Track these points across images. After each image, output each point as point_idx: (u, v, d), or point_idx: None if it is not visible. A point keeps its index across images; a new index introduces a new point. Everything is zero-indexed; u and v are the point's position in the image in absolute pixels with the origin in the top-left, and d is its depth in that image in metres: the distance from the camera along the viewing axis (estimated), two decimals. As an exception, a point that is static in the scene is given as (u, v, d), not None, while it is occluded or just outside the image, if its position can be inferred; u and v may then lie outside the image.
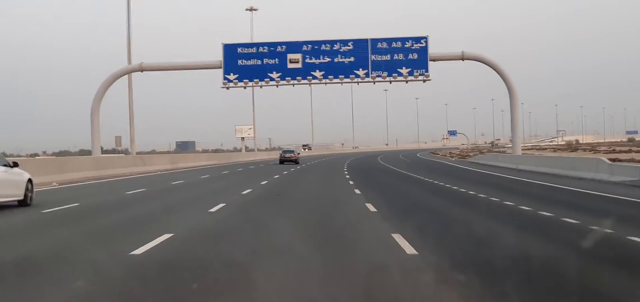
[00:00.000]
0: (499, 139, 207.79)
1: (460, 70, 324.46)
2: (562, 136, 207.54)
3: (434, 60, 53.15)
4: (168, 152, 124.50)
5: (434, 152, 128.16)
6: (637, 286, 8.22)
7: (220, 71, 53.49)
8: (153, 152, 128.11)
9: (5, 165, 18.75)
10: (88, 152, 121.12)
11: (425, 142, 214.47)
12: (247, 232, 13.44)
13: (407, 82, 53.65)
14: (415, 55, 52.69)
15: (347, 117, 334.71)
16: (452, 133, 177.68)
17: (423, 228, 13.78)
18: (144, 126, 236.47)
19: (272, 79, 53.54)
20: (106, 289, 7.99)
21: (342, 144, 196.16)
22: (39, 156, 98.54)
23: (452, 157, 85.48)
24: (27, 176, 19.29)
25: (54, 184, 29.48)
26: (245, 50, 53.43)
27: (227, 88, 54.03)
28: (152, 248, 10.72)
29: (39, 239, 12.54)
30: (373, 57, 52.78)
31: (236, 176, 40.17)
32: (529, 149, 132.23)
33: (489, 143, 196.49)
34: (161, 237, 11.81)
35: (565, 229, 13.39)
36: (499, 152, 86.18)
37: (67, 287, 7.98)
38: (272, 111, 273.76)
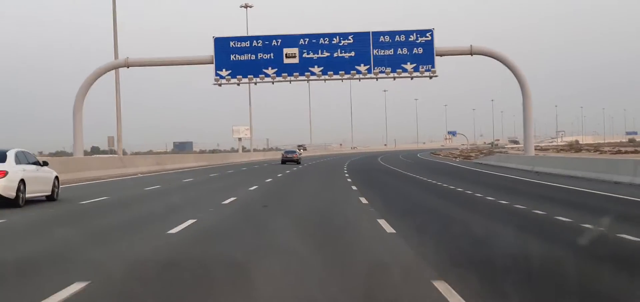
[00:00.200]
0: (498, 140, 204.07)
1: (460, 70, 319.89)
2: (561, 137, 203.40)
3: (440, 55, 48.87)
4: (165, 153, 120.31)
5: (434, 152, 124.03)
6: None
7: (212, 67, 49.18)
8: (150, 152, 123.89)
9: (36, 163, 20.82)
10: (85, 153, 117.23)
11: (424, 143, 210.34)
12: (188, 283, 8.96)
13: (412, 78, 49.38)
14: (421, 50, 48.38)
15: (346, 117, 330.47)
16: (452, 133, 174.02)
17: (453, 252, 10.72)
18: (141, 126, 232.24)
19: (267, 75, 49.20)
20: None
21: (341, 144, 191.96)
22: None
23: (456, 158, 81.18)
24: (54, 173, 21.40)
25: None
26: (238, 45, 49.09)
27: (219, 85, 49.70)
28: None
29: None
30: (375, 51, 48.45)
31: (222, 180, 35.91)
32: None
33: (488, 144, 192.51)
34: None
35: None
36: (502, 152, 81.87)
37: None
38: (270, 112, 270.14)
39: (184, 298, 7.65)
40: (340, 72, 48.81)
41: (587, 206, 18.56)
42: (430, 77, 49.02)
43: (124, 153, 60.32)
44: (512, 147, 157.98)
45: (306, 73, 48.88)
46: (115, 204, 20.77)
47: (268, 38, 49.05)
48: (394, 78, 49.20)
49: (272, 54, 48.82)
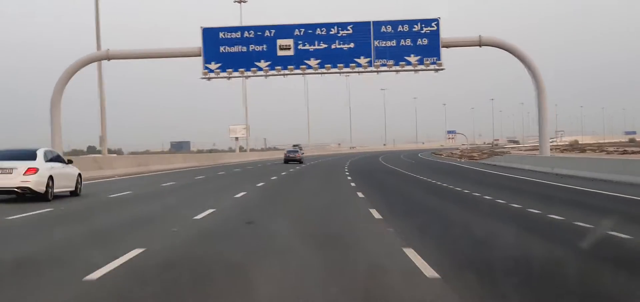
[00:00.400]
0: (497, 140, 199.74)
1: (459, 69, 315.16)
2: (560, 136, 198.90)
3: (446, 47, 44.37)
4: (158, 153, 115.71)
5: (435, 152, 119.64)
6: None
7: (200, 60, 44.70)
8: (147, 152, 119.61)
9: (61, 161, 22.05)
10: (81, 152, 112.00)
11: (423, 143, 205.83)
12: None
13: (416, 72, 44.86)
14: (426, 41, 43.89)
15: (343, 117, 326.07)
16: (451, 133, 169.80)
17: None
18: (139, 126, 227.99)
19: (259, 69, 44.71)
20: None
21: (339, 144, 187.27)
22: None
23: (460, 158, 76.64)
24: (77, 171, 22.60)
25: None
26: (229, 35, 44.58)
27: (208, 79, 45.20)
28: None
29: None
30: (376, 42, 43.97)
31: (208, 183, 31.56)
32: (527, 149, 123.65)
33: (488, 143, 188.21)
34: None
35: None
36: (507, 152, 77.39)
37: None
38: (268, 112, 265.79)
39: None
40: (338, 64, 44.34)
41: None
42: (436, 70, 44.55)
43: (115, 153, 55.72)
44: (512, 147, 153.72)
45: (302, 66, 44.41)
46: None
47: (261, 29, 44.57)
48: (397, 71, 44.72)
49: (265, 46, 44.37)
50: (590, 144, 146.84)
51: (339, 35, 44.15)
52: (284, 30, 44.38)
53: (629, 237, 11.18)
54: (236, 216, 15.90)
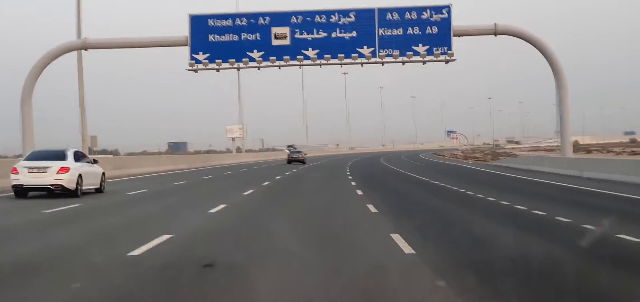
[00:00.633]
0: (497, 141, 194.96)
1: (459, 66, 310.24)
2: (560, 136, 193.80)
3: (458, 36, 39.52)
4: (160, 153, 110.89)
5: (436, 153, 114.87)
6: None
7: (187, 50, 39.81)
8: (144, 153, 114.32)
9: (88, 162, 23.61)
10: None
11: (422, 143, 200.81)
12: None
13: (424, 63, 40.00)
14: (435, 29, 39.04)
15: (341, 117, 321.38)
16: (451, 133, 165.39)
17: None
18: (136, 126, 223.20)
19: (252, 59, 39.80)
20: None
21: (337, 145, 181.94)
22: None
23: (466, 159, 71.66)
24: (101, 170, 24.20)
25: None
26: (218, 23, 39.68)
27: (195, 70, 40.32)
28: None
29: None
30: (381, 31, 39.12)
31: (185, 191, 26.86)
32: (529, 150, 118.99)
33: (488, 144, 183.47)
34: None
35: None
36: (504, 152, 72.55)
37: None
38: (265, 112, 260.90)
39: None
40: (339, 55, 39.47)
41: None
42: (446, 61, 39.68)
43: (111, 153, 50.65)
44: (513, 148, 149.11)
45: (299, 56, 39.51)
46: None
47: (254, 16, 39.68)
48: (403, 62, 39.82)
49: (258, 34, 39.51)
50: (592, 145, 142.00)
51: (340, 23, 39.32)
52: (280, 18, 39.52)
53: None
54: (197, 250, 10.88)
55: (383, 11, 39.21)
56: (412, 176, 35.06)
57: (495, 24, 39.16)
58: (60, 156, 22.11)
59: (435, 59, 39.22)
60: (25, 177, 21.21)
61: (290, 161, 65.56)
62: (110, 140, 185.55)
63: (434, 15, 38.98)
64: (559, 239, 11.16)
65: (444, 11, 39.08)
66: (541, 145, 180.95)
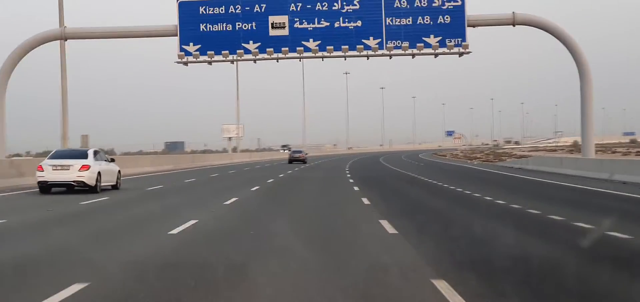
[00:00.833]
0: (496, 141, 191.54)
1: (458, 66, 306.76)
2: (559, 137, 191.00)
3: (473, 26, 35.74)
4: (155, 152, 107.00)
5: (436, 153, 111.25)
6: None
7: (176, 40, 35.94)
8: (140, 152, 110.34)
9: (106, 160, 24.72)
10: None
11: (420, 144, 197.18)
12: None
13: (436, 55, 36.18)
14: (448, 18, 35.23)
15: (338, 117, 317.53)
16: (450, 133, 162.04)
17: None
18: (134, 127, 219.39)
19: (247, 51, 35.94)
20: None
21: (335, 144, 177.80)
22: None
23: (471, 160, 67.83)
24: (117, 168, 25.37)
25: None
26: (210, 11, 35.82)
27: (185, 63, 36.44)
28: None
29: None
30: (389, 20, 35.30)
31: (157, 199, 23.15)
32: (531, 151, 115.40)
33: (486, 144, 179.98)
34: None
35: None
36: (503, 152, 68.78)
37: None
38: (262, 112, 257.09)
39: None
40: (342, 46, 35.63)
41: None
42: (460, 54, 35.86)
43: (107, 153, 46.72)
44: (513, 148, 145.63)
45: (298, 48, 35.67)
46: None
47: (249, 3, 35.81)
48: (413, 55, 35.99)
49: (254, 24, 35.70)
50: (599, 145, 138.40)
51: (343, 11, 35.49)
52: (278, 5, 35.68)
53: None
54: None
55: (391, -1, 35.41)
56: (423, 180, 31.21)
57: (513, 13, 35.36)
58: (81, 154, 23.72)
59: (448, 51, 35.41)
60: (50, 174, 22.64)
61: (291, 160, 64.89)
62: (107, 140, 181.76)
63: (447, 3, 35.19)
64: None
65: (457, -1, 35.29)
66: (540, 145, 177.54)
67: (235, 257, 9.27)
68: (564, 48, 35.96)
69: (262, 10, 35.49)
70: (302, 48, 35.52)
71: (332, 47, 35.49)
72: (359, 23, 35.40)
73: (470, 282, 7.27)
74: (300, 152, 68.69)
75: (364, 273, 8.07)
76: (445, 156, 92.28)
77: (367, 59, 36.29)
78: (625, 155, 70.56)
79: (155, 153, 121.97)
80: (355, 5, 35.39)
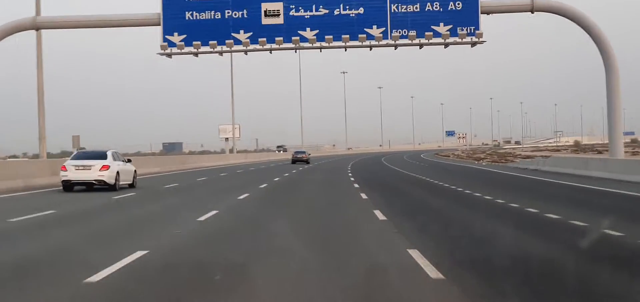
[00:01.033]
0: (496, 141, 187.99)
1: (459, 65, 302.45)
2: (558, 137, 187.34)
3: (487, 13, 31.87)
4: (153, 153, 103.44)
5: (438, 153, 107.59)
6: None
7: (159, 30, 32.07)
8: (138, 153, 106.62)
9: (123, 161, 26.26)
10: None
11: (420, 144, 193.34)
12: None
13: (446, 46, 32.32)
14: (460, 5, 31.37)
15: (336, 117, 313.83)
16: (450, 133, 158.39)
17: None
18: (132, 126, 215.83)
19: (238, 41, 32.04)
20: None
21: (334, 145, 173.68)
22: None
23: (478, 161, 63.98)
24: (133, 168, 26.99)
25: None
26: (197, -3, 31.90)
27: (169, 55, 32.55)
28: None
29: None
30: (394, 7, 31.43)
31: (105, 218, 19.52)
32: (534, 151, 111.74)
33: (486, 144, 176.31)
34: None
35: None
36: (504, 152, 64.95)
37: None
38: (260, 112, 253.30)
39: None
40: (342, 36, 31.70)
41: None
42: (473, 44, 32.01)
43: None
44: (514, 148, 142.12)
45: (294, 38, 31.73)
46: None
47: (240, -11, 31.88)
48: (421, 45, 32.09)
49: (245, 11, 31.82)
50: (597, 145, 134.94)
51: (344, -3, 31.59)
52: (271, -9, 31.75)
53: None
54: None
55: (396, -17, 31.52)
56: (435, 184, 27.36)
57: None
58: (101, 155, 25.15)
59: (460, 41, 31.55)
60: (73, 173, 24.27)
61: (294, 161, 66.34)
62: (102, 141, 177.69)
63: (458, -11, 31.30)
64: None
65: (469, -17, 31.42)
66: (541, 145, 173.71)
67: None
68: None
69: (255, -4, 31.61)
70: (298, 38, 31.64)
71: (331, 36, 31.61)
72: (361, 10, 31.54)
73: None
74: (303, 152, 70.55)
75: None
76: (449, 156, 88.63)
77: (370, 49, 32.40)
78: (635, 155, 67.10)
79: (153, 154, 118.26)
80: (357, -10, 31.51)
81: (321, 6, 31.57)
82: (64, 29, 34.17)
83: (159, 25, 31.94)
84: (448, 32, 31.46)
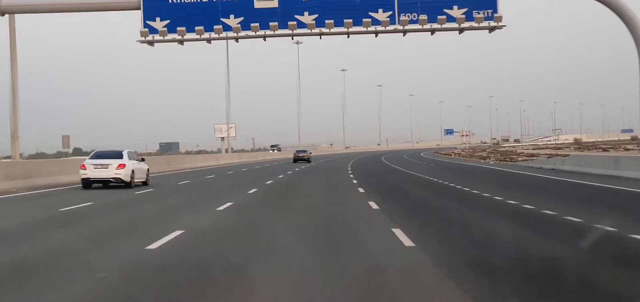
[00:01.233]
0: (495, 139, 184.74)
1: (457, 65, 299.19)
2: (557, 135, 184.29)
3: (506, -5, 28.06)
4: (150, 153, 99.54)
5: (438, 152, 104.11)
6: None
7: (139, 15, 28.24)
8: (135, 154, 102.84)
9: (137, 160, 27.42)
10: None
11: (418, 142, 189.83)
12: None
13: (461, 31, 28.40)
14: (476, -15, 27.52)
15: (334, 116, 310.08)
16: (449, 132, 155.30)
17: None
18: (131, 127, 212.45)
19: (227, 27, 28.07)
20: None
21: (331, 144, 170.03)
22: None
23: (484, 160, 60.27)
24: (147, 166, 28.22)
25: None
26: (181, -22, 28.05)
27: (151, 43, 28.56)
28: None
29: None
30: (402, -12, 27.57)
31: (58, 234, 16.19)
32: (535, 149, 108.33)
33: (484, 142, 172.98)
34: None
35: None
36: (504, 150, 61.33)
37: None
38: (257, 111, 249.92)
39: None
40: (345, 21, 27.74)
41: None
42: (491, 29, 28.12)
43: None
44: (514, 146, 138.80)
45: (290, 23, 27.76)
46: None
47: (229, -31, 28.02)
48: (433, 30, 28.14)
49: (235, -6, 27.94)
50: (598, 142, 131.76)
51: (346, -23, 27.75)
52: (264, -29, 27.88)
53: None
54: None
55: (404, -38, 27.70)
56: (451, 187, 23.69)
57: (556, -22, 27.61)
58: (118, 155, 26.28)
59: (476, 25, 27.56)
60: (92, 172, 25.41)
61: (296, 159, 67.76)
62: (102, 140, 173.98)
63: (474, -33, 27.49)
64: None
65: (486, -39, 27.62)
66: (540, 143, 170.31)
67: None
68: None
69: (246, -24, 27.79)
70: (295, 23, 27.70)
71: (332, 21, 27.70)
72: (365, -8, 27.71)
73: None
74: (304, 151, 72.69)
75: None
76: (450, 154, 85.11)
77: (376, 36, 28.53)
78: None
79: (150, 154, 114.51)
80: (361, -31, 27.69)
81: (321, -12, 27.78)
82: (34, 13, 30.30)
83: (139, 9, 28.10)
84: (463, 16, 27.56)
